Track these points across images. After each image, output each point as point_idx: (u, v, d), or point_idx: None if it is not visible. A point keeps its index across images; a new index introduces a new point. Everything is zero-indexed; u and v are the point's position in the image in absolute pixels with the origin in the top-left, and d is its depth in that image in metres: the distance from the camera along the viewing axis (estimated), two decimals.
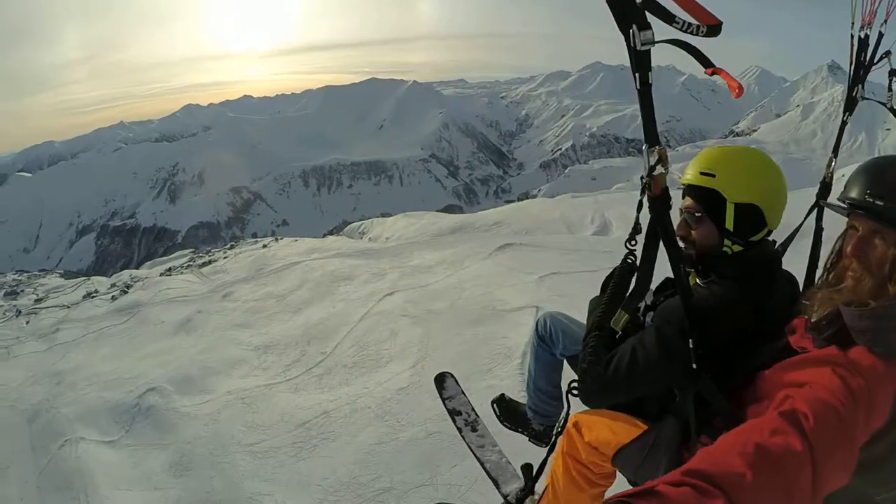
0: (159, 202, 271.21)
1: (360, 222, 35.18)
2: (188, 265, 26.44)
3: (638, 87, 1.30)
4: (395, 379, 5.60)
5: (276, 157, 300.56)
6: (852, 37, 2.31)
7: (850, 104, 2.25)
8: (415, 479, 4.10)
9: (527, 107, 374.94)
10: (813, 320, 1.53)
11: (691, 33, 1.23)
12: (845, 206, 1.54)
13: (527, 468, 2.63)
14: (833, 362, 1.38)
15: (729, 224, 1.94)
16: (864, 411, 1.30)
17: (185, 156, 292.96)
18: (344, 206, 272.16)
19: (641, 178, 1.53)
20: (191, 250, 42.08)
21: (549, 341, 2.75)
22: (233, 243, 38.88)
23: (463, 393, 3.70)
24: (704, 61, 1.41)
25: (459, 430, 3.45)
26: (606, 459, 2.17)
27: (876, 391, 1.32)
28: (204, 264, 23.48)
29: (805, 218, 2.39)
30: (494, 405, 3.26)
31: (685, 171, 2.04)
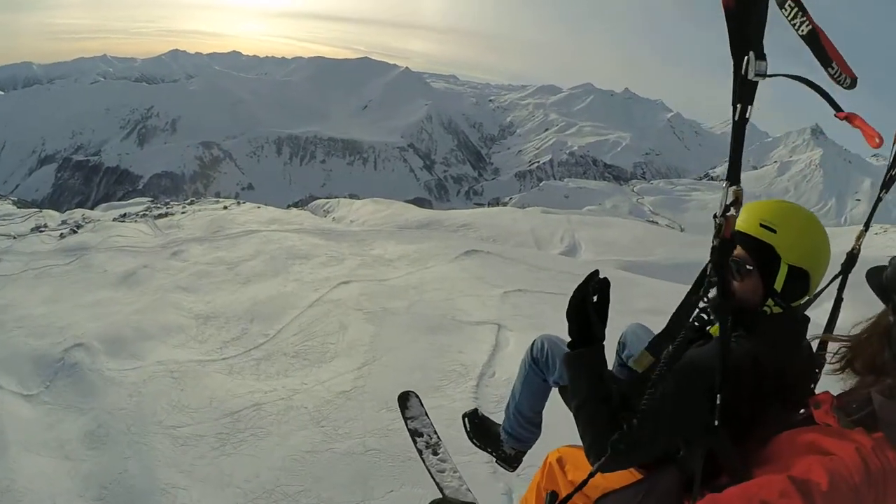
0: (127, 144, 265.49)
1: (327, 200, 34.85)
2: (144, 214, 25.60)
3: (735, 118, 1.23)
4: (337, 379, 5.33)
5: (254, 118, 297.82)
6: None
7: (889, 182, 2.18)
8: (345, 499, 3.83)
9: (513, 114, 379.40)
10: (842, 399, 1.51)
11: (839, 83, 1.28)
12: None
13: None
14: (857, 442, 1.35)
15: (778, 285, 1.89)
16: (876, 496, 1.30)
17: (162, 100, 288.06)
18: (313, 181, 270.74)
19: (714, 216, 1.40)
20: (149, 199, 41.53)
21: (542, 366, 2.62)
22: (193, 199, 38.25)
23: (426, 415, 3.59)
24: (834, 105, 1.37)
25: (420, 451, 3.33)
26: (589, 502, 2.12)
27: (892, 482, 1.31)
28: (160, 216, 22.94)
29: (827, 285, 2.29)
30: (465, 419, 3.08)
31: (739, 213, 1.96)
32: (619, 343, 2.80)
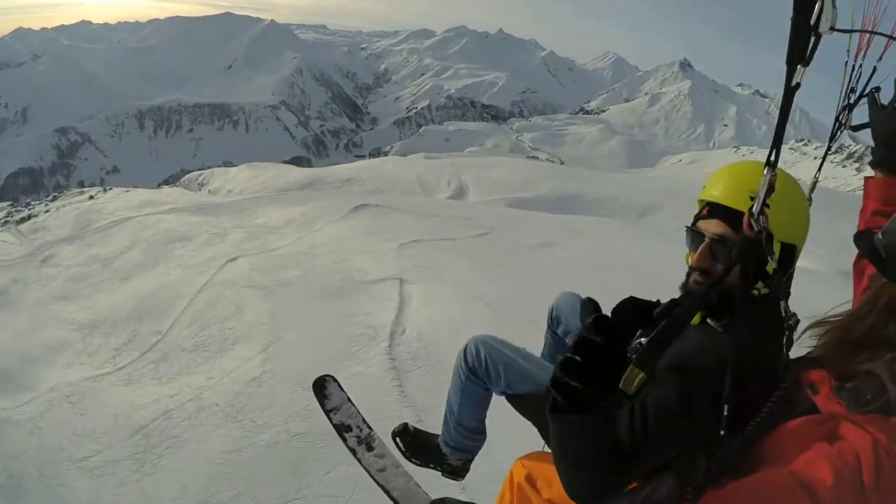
0: None
1: (200, 172, 33.14)
2: (5, 221, 23.23)
3: (788, 83, 1.12)
4: (244, 367, 5.01)
5: (112, 93, 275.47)
6: (846, 64, 2.19)
7: (835, 133, 2.10)
8: (282, 493, 3.62)
9: (387, 61, 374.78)
10: (849, 386, 1.39)
11: None
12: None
13: None
14: (875, 436, 1.27)
15: (770, 267, 1.64)
16: (885, 498, 1.24)
17: (8, 89, 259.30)
18: (183, 153, 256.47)
19: (750, 210, 1.31)
20: (9, 204, 38.87)
21: (482, 375, 2.35)
22: (56, 194, 35.32)
23: (350, 401, 3.14)
24: None
25: (353, 451, 2.94)
26: None
27: None
28: (23, 220, 21.03)
29: None
30: (397, 439, 2.74)
31: (712, 185, 1.78)
32: (550, 317, 2.67)
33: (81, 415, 4.95)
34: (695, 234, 1.80)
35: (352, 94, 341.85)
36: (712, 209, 1.76)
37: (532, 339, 5.28)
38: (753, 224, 1.33)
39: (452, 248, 7.98)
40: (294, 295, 6.10)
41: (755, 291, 1.70)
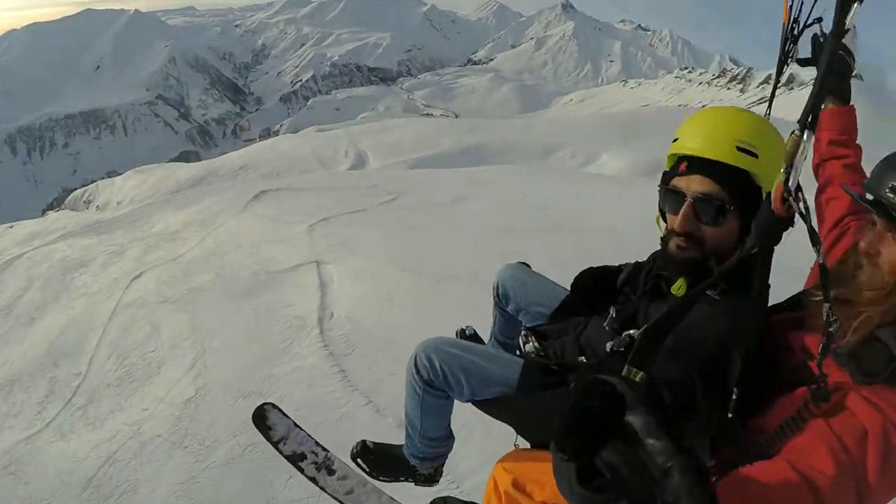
0: None
1: (84, 188, 31.13)
2: None
3: (833, 33, 1.11)
4: (176, 389, 4.72)
5: None
6: None
7: (782, 65, 2.05)
8: None
9: (263, 36, 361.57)
10: (851, 351, 1.33)
11: None
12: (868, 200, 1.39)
13: None
14: (885, 413, 1.24)
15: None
16: (893, 478, 1.23)
17: None
18: (62, 171, 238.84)
19: (786, 184, 1.16)
20: None
21: (441, 385, 2.09)
22: None
23: (296, 425, 2.88)
24: None
25: (313, 480, 2.71)
26: None
27: None
28: None
29: None
30: (358, 461, 2.50)
31: (688, 136, 1.62)
32: (497, 295, 2.50)
33: (25, 483, 4.52)
34: (673, 194, 1.64)
35: (231, 76, 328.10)
36: (692, 164, 1.59)
37: (462, 297, 5.32)
38: (795, 203, 1.16)
39: (363, 220, 7.88)
40: (210, 300, 5.81)
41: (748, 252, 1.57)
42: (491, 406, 2.03)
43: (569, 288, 2.32)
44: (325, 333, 4.80)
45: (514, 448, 2.11)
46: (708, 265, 1.61)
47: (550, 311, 2.27)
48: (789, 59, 1.94)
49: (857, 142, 2.00)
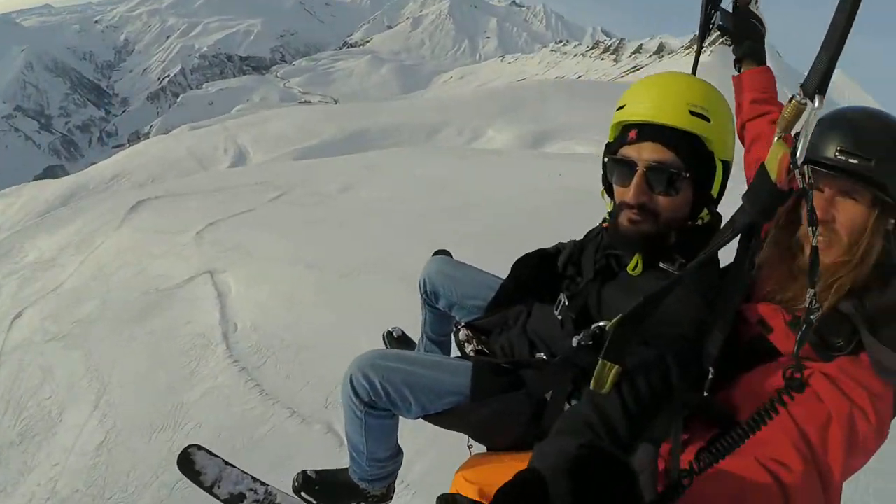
0: None
1: None
2: None
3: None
4: (83, 436, 4.23)
5: None
6: None
7: (704, 30, 2.06)
8: None
9: (126, 31, 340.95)
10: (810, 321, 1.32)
11: None
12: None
13: None
14: (851, 398, 1.24)
15: (716, 189, 1.55)
16: (859, 456, 1.25)
17: None
18: None
19: (793, 157, 1.04)
20: None
21: (385, 405, 1.91)
22: None
23: (228, 463, 2.58)
24: None
25: None
26: None
27: (884, 427, 1.27)
28: None
29: None
30: (302, 494, 2.27)
31: (635, 102, 1.55)
32: (425, 293, 2.39)
33: None
34: (622, 164, 1.56)
35: (93, 77, 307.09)
36: (643, 131, 1.52)
37: (370, 288, 5.21)
38: (800, 177, 1.07)
39: (253, 220, 7.57)
40: (101, 331, 5.31)
41: (699, 220, 1.58)
42: (444, 418, 1.88)
43: (500, 275, 2.24)
44: (232, 348, 4.55)
45: (468, 449, 1.98)
46: (664, 238, 1.56)
47: (486, 303, 2.18)
48: (712, 25, 2.02)
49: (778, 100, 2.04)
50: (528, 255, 2.03)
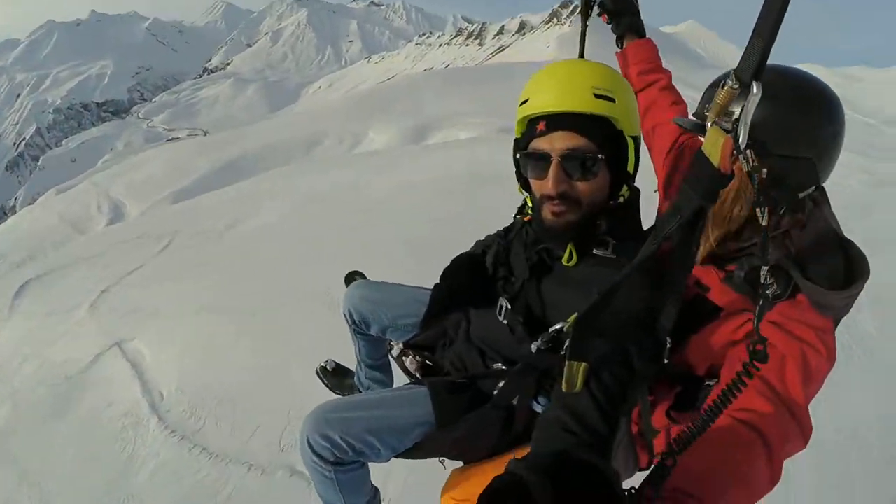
0: None
1: None
2: None
3: None
4: None
5: None
6: None
7: (585, 10, 2.11)
8: None
9: None
10: (743, 273, 1.44)
11: None
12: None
13: None
14: (800, 337, 1.35)
15: (632, 165, 1.57)
16: (816, 384, 1.36)
17: None
18: None
19: (736, 140, 1.06)
20: None
21: (353, 458, 1.82)
22: None
23: None
24: None
25: None
26: None
27: (832, 354, 1.37)
28: None
29: None
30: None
31: (539, 94, 1.54)
32: (352, 322, 2.33)
33: None
34: (535, 158, 1.56)
35: None
36: (551, 121, 1.52)
37: (290, 319, 5.15)
38: (745, 161, 1.11)
39: (146, 277, 7.22)
40: (21, 438, 4.81)
41: (621, 198, 1.60)
42: (416, 451, 1.84)
43: (419, 282, 2.25)
44: (164, 418, 4.35)
45: (441, 465, 1.98)
46: (592, 224, 1.57)
47: (419, 319, 2.14)
48: (592, 3, 2.09)
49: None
50: (455, 262, 2.02)
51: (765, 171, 1.20)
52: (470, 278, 1.94)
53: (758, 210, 1.13)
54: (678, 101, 2.07)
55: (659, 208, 1.90)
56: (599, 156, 1.50)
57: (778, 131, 1.34)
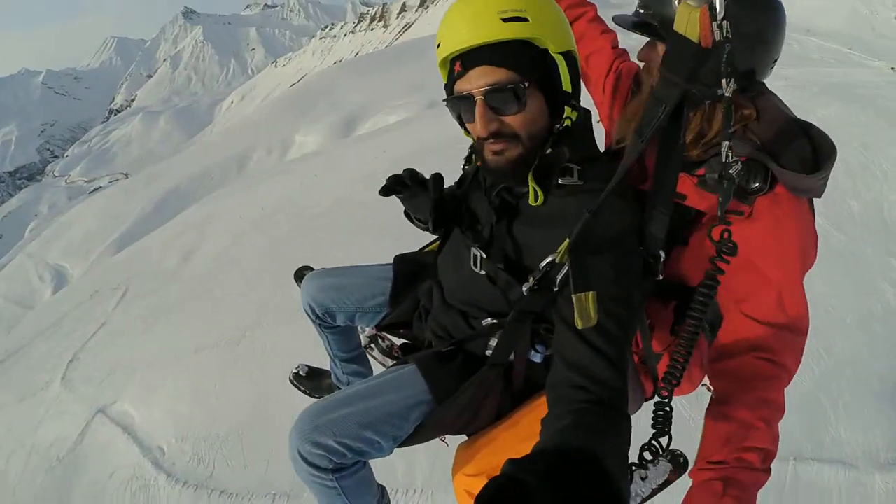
0: None
1: None
2: None
3: None
4: None
5: None
6: None
7: None
8: None
9: None
10: (716, 176, 1.40)
11: None
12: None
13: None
14: (788, 225, 1.42)
15: (567, 84, 1.44)
16: (811, 258, 1.49)
17: None
18: None
19: (710, 13, 1.09)
20: None
21: (354, 459, 1.68)
22: None
23: None
24: None
25: None
26: None
27: (815, 229, 1.48)
28: None
29: None
30: None
31: (449, 35, 1.44)
32: (316, 317, 2.18)
33: None
34: (461, 100, 1.48)
35: None
36: (465, 60, 1.43)
37: (273, 343, 5.01)
38: (717, 30, 1.10)
39: (111, 334, 6.87)
40: None
41: (567, 121, 1.50)
42: (419, 435, 1.72)
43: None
44: (172, 472, 4.20)
45: (444, 442, 1.87)
46: (545, 155, 1.49)
47: (387, 297, 2.05)
48: None
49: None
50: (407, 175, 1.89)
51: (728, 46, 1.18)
52: (440, 214, 1.80)
53: (723, 81, 1.12)
54: (607, 31, 2.05)
55: (606, 137, 1.87)
56: (523, 84, 1.40)
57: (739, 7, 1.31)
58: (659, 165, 1.39)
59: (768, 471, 1.46)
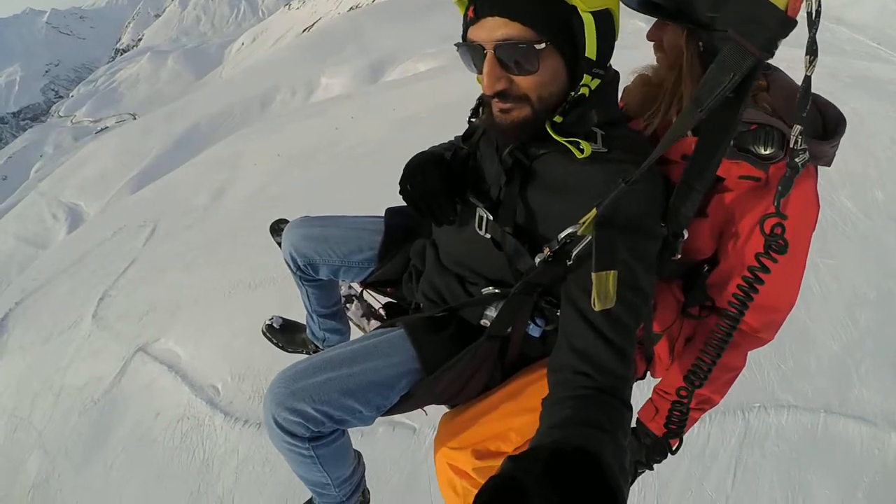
0: None
1: None
2: None
3: None
4: None
5: None
6: None
7: None
8: None
9: None
10: (738, 144, 1.35)
11: None
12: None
13: None
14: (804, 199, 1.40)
15: (591, 49, 1.29)
16: (813, 226, 1.47)
17: None
18: None
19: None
20: None
21: (332, 428, 1.59)
22: None
23: None
24: None
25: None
26: None
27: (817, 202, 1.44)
28: None
29: None
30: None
31: None
32: (298, 268, 2.07)
33: None
34: (472, 49, 1.35)
35: None
36: (479, 6, 1.30)
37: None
38: (811, 2, 1.02)
39: (145, 271, 6.72)
40: (62, 483, 4.35)
41: (586, 88, 1.36)
42: (404, 404, 1.64)
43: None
44: (230, 411, 4.04)
45: (423, 412, 1.82)
46: (549, 119, 1.37)
47: (376, 252, 1.96)
48: None
49: None
50: (415, 161, 1.69)
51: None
52: (439, 178, 1.61)
53: (806, 58, 1.06)
54: None
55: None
56: (538, 44, 1.25)
57: None
58: (708, 140, 1.29)
59: (701, 410, 1.67)
